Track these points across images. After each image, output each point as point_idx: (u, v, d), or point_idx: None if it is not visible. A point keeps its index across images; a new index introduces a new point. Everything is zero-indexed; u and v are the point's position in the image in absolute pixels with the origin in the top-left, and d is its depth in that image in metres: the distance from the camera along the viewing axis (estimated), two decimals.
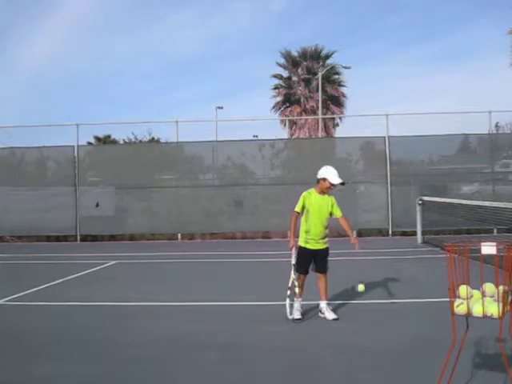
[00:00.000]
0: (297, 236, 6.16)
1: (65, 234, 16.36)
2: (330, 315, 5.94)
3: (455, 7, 55.98)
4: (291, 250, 6.06)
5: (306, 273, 6.12)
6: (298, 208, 6.06)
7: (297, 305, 6.02)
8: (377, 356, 4.59)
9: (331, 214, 6.04)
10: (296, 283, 6.00)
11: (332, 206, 6.02)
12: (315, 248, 6.04)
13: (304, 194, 6.06)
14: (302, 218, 6.08)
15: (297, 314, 5.93)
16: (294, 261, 6.03)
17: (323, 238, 6.05)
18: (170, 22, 63.25)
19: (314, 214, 5.97)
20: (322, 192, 6.00)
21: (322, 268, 6.08)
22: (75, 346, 5.16)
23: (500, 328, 3.28)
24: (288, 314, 5.76)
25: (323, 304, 6.05)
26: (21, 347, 5.19)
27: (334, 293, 7.39)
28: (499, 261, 3.23)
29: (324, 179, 5.96)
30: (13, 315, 6.70)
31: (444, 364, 3.51)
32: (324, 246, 6.08)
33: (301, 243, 6.12)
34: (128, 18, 64.18)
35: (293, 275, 6.01)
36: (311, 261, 6.08)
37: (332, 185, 5.93)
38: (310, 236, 6.02)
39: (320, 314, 6.02)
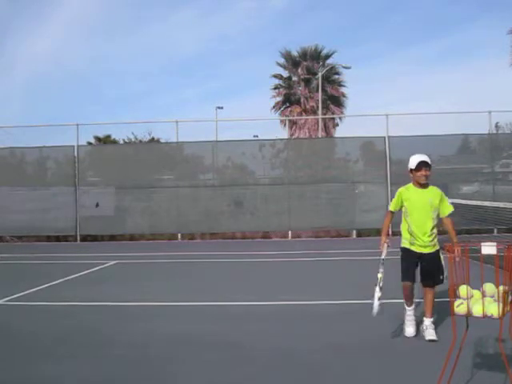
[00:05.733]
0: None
1: (65, 234, 16.35)
2: (428, 334, 4.96)
3: (455, 7, 56.02)
4: (382, 247, 5.18)
5: (409, 279, 5.09)
6: (392, 206, 5.25)
7: (408, 315, 5.14)
8: (377, 356, 4.59)
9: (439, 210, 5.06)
10: (405, 294, 5.16)
11: (440, 200, 5.07)
12: (420, 251, 5.03)
13: (400, 189, 5.25)
14: (402, 217, 5.20)
15: (408, 330, 5.09)
16: (383, 255, 5.14)
17: (431, 240, 5.02)
18: (169, 21, 63.27)
19: (412, 210, 5.07)
20: (420, 184, 5.10)
21: (431, 279, 5.02)
22: (75, 346, 5.16)
23: (500, 328, 3.28)
24: (374, 310, 4.92)
25: (427, 322, 5.06)
26: (21, 347, 5.19)
27: (335, 292, 7.40)
28: (499, 261, 3.23)
29: (410, 171, 5.16)
30: (13, 315, 6.69)
31: (444, 364, 3.51)
32: (432, 250, 5.02)
33: (404, 244, 5.17)
34: (128, 17, 64.20)
35: (380, 273, 5.08)
36: (414, 266, 5.08)
37: (417, 170, 5.06)
38: (413, 236, 5.06)
39: (422, 331, 5.09)
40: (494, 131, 17.11)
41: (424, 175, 5.04)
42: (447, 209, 5.07)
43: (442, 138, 15.45)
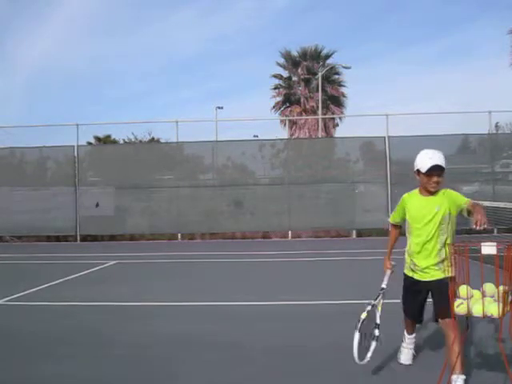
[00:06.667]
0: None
1: (65, 234, 16.36)
2: None
3: (455, 7, 56.01)
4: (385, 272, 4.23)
5: (413, 318, 4.15)
6: (392, 217, 4.24)
7: (407, 343, 4.29)
8: (376, 355, 4.58)
9: (460, 208, 3.85)
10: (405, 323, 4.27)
11: (451, 200, 3.87)
12: (425, 279, 3.89)
13: (404, 196, 4.18)
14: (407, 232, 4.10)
15: (404, 358, 4.28)
16: (384, 284, 4.18)
17: (436, 263, 3.82)
18: (169, 21, 63.22)
19: (414, 224, 3.97)
20: (428, 191, 3.93)
21: (442, 309, 3.68)
22: (75, 346, 5.16)
23: (500, 328, 3.28)
24: (356, 357, 3.81)
25: (459, 380, 3.62)
26: (21, 347, 5.19)
27: (335, 292, 7.39)
28: (499, 261, 3.23)
29: (417, 172, 3.93)
30: (13, 315, 6.70)
31: (444, 364, 3.51)
32: (439, 276, 3.79)
33: (405, 269, 4.08)
34: (128, 17, 64.22)
35: (373, 302, 4.08)
36: (420, 300, 4.00)
37: (427, 176, 3.83)
38: (413, 259, 3.95)
39: None
40: (494, 131, 17.11)
41: (435, 182, 3.84)
42: (463, 200, 3.86)
43: (442, 137, 15.42)
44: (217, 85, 64.79)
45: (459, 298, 3.43)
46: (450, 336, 3.64)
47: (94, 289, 8.23)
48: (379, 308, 4.08)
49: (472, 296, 3.39)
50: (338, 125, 29.77)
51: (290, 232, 15.81)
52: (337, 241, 14.90)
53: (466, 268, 3.37)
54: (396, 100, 52.45)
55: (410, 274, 3.98)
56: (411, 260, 3.95)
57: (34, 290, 8.08)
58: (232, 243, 14.95)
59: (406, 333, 4.32)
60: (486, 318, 3.36)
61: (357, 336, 3.81)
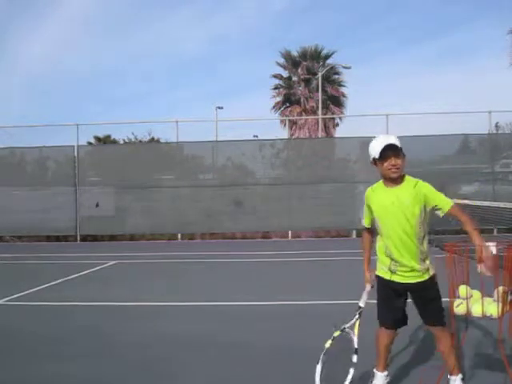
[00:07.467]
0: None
1: (65, 234, 16.38)
2: None
3: (455, 7, 56.01)
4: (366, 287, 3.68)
5: (391, 325, 3.58)
6: (365, 221, 3.68)
7: (376, 381, 3.61)
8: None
9: (435, 210, 3.37)
10: (378, 347, 3.63)
11: (425, 198, 3.37)
12: (406, 282, 3.44)
13: (367, 191, 3.62)
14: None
15: None
16: (361, 302, 3.68)
17: (417, 264, 3.39)
18: (169, 21, 63.22)
19: (384, 221, 3.48)
20: (391, 181, 3.45)
21: (430, 316, 3.48)
22: (75, 346, 5.17)
23: (500, 328, 3.28)
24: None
25: (456, 381, 3.47)
26: (21, 347, 5.19)
27: (335, 292, 7.39)
28: (499, 261, 3.23)
29: (373, 162, 3.47)
30: (13, 315, 6.70)
31: (444, 364, 3.51)
32: (422, 278, 3.41)
33: (380, 272, 3.56)
34: (128, 17, 64.22)
35: (344, 326, 3.69)
36: (398, 303, 3.53)
37: (383, 160, 3.38)
38: (395, 262, 3.44)
39: None
40: (494, 131, 17.11)
41: (394, 166, 3.38)
42: (444, 203, 3.34)
43: (442, 137, 15.45)
44: (217, 85, 64.79)
45: (459, 297, 3.43)
46: (444, 338, 3.43)
47: (94, 289, 8.23)
48: (356, 331, 3.58)
49: (471, 296, 3.39)
50: (338, 125, 29.76)
51: (289, 232, 15.81)
52: (337, 241, 14.90)
53: (465, 268, 3.37)
54: (396, 100, 52.46)
55: (388, 276, 3.46)
56: (391, 261, 3.43)
57: (34, 290, 8.08)
58: (232, 243, 14.96)
59: (375, 369, 3.59)
60: (486, 318, 3.36)
61: (318, 368, 3.45)
